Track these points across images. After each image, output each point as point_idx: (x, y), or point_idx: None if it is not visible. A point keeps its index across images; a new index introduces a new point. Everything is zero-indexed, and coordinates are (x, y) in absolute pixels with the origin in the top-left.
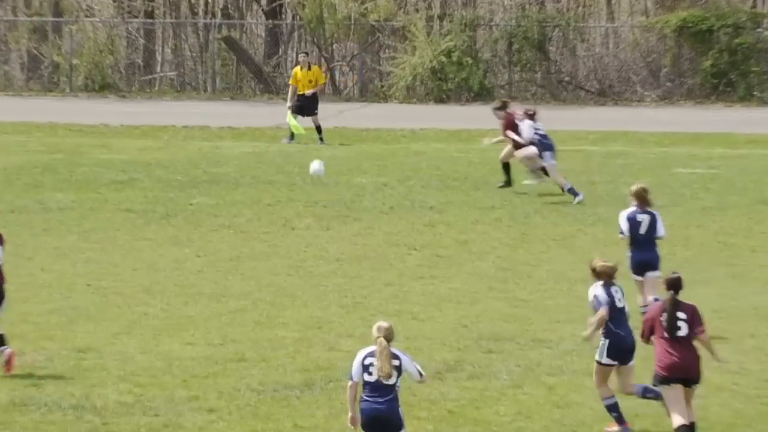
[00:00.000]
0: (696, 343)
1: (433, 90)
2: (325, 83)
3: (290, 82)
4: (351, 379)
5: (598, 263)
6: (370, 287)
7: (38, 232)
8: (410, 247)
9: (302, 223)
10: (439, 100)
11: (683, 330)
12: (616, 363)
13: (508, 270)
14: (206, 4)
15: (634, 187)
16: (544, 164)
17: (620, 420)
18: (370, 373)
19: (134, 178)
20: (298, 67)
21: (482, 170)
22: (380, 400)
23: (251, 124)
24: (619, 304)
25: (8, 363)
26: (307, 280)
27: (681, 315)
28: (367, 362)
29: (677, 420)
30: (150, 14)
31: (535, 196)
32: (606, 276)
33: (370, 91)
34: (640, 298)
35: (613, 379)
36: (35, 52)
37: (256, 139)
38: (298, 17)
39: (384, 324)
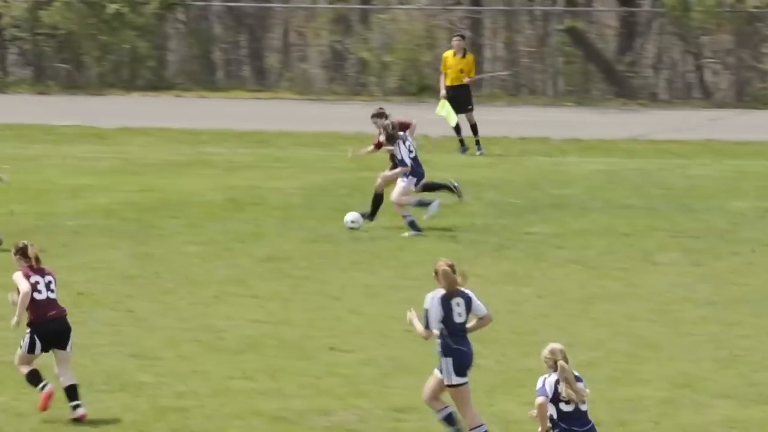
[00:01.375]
0: None
1: None
2: (475, 77)
3: (441, 69)
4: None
5: (442, 265)
6: (752, 337)
7: (347, 266)
8: None
9: (666, 257)
10: None
11: None
12: (466, 381)
13: None
14: None
15: None
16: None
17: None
18: (567, 403)
19: (460, 202)
20: (450, 52)
21: None
22: (578, 430)
23: (601, 135)
24: (458, 319)
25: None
26: (673, 327)
27: None
28: (559, 389)
29: None
30: (477, 1)
31: None
32: (447, 283)
33: (747, 95)
34: None
35: (431, 388)
36: (338, 47)
37: (608, 154)
38: (658, 4)
39: (557, 346)
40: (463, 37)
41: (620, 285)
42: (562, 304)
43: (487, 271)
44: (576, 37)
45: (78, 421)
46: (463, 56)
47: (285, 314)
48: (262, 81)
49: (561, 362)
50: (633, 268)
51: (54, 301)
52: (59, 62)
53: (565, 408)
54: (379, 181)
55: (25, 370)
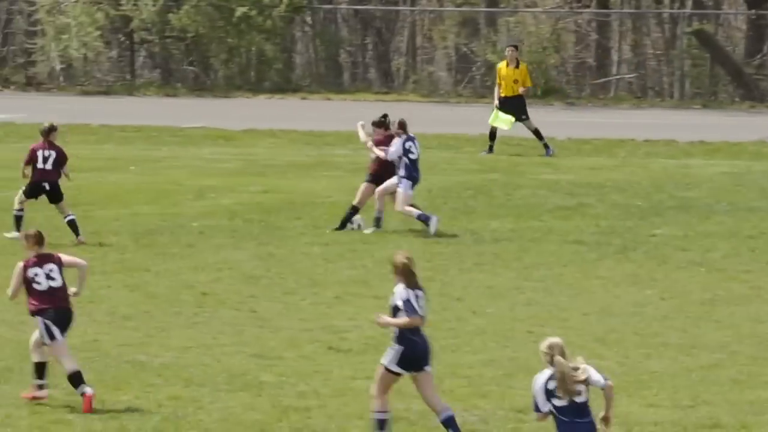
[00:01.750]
0: None
1: None
2: (531, 86)
3: (497, 81)
4: (538, 411)
5: (400, 259)
6: None
7: (469, 267)
8: None
9: None
10: None
11: None
12: (403, 373)
13: None
14: None
15: None
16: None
17: None
18: (559, 398)
19: (584, 204)
20: (504, 63)
21: None
22: (580, 421)
23: (728, 137)
24: (420, 312)
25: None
26: None
27: None
28: (550, 386)
29: None
30: (604, 4)
31: None
32: (404, 277)
33: None
34: None
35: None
36: (465, 50)
37: (735, 157)
38: None
39: (556, 340)
40: (516, 47)
41: (745, 287)
42: (685, 306)
43: (610, 273)
44: (704, 39)
45: (87, 402)
46: (517, 66)
47: None
48: (388, 83)
49: (557, 358)
50: (758, 271)
51: (56, 289)
52: (187, 65)
53: (558, 403)
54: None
55: (36, 357)
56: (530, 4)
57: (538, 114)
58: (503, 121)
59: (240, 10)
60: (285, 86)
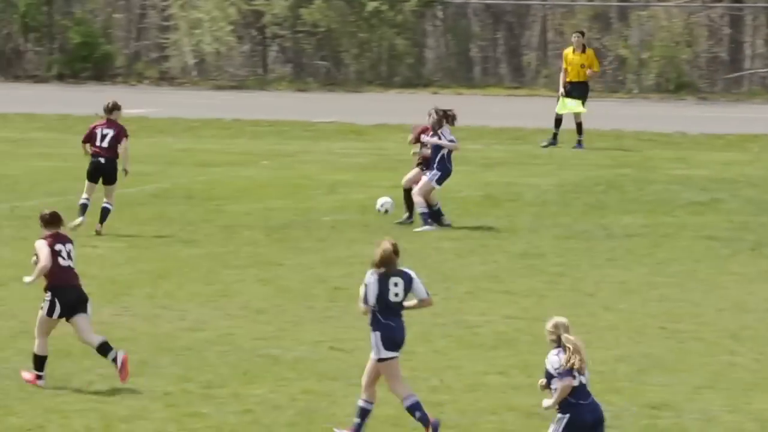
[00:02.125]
0: None
1: None
2: (599, 71)
3: (563, 66)
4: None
5: (385, 245)
6: None
7: (601, 262)
8: None
9: None
10: None
11: None
12: (396, 354)
13: None
14: None
15: None
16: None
17: (425, 419)
18: (574, 377)
19: (717, 199)
20: (570, 49)
21: None
22: (586, 402)
23: None
24: (394, 298)
25: (123, 368)
26: None
27: None
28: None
29: None
30: None
31: None
32: (382, 263)
33: None
34: None
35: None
36: (596, 44)
37: None
38: None
39: (561, 319)
40: (582, 33)
41: None
42: None
43: (744, 269)
44: None
45: (123, 368)
46: (583, 51)
47: (539, 310)
48: (519, 78)
49: (566, 335)
50: None
51: (73, 269)
52: (318, 60)
53: (574, 382)
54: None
55: (41, 342)
56: None
57: (670, 108)
58: (571, 108)
59: (371, 5)
60: (416, 81)
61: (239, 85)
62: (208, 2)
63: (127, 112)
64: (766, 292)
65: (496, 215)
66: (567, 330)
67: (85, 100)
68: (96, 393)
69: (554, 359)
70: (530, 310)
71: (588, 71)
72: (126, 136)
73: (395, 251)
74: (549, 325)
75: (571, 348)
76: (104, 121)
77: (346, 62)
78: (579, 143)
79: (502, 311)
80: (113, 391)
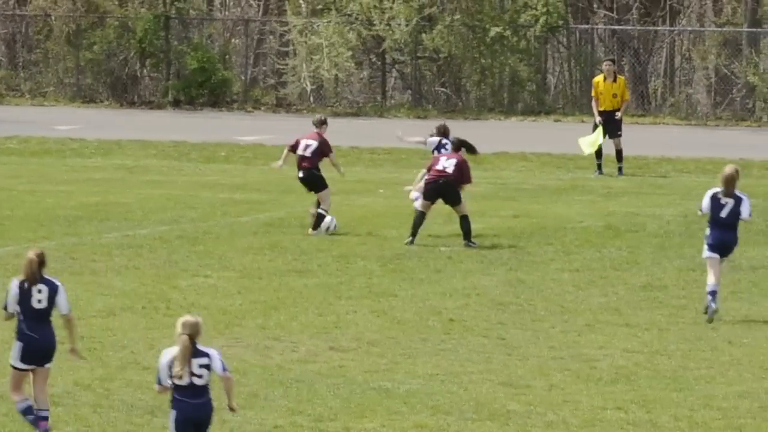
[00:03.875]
0: None
1: None
2: (629, 99)
3: (592, 95)
4: (158, 384)
5: (29, 254)
6: None
7: (725, 295)
8: None
9: None
10: None
11: None
12: (31, 367)
13: None
14: None
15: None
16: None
17: (36, 423)
18: (180, 378)
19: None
20: (601, 77)
21: None
22: (194, 402)
23: None
24: (37, 305)
25: None
26: None
27: None
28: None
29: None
30: None
31: None
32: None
33: None
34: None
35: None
36: (725, 71)
37: None
38: None
39: (191, 319)
40: (613, 61)
41: None
42: None
43: None
44: None
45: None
46: (614, 80)
47: (660, 344)
48: (644, 106)
49: (184, 337)
50: None
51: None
52: (439, 86)
53: (178, 382)
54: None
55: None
56: None
57: None
58: (590, 144)
59: (494, 30)
60: (538, 108)
61: (357, 112)
62: (329, 28)
63: (242, 138)
64: None
65: (617, 246)
66: (194, 331)
67: (201, 127)
68: None
69: (164, 357)
70: (650, 344)
71: (621, 108)
72: (330, 150)
73: (41, 262)
74: (178, 324)
75: (178, 354)
76: (312, 133)
77: (466, 89)
78: (620, 170)
79: (621, 345)
80: (222, 423)
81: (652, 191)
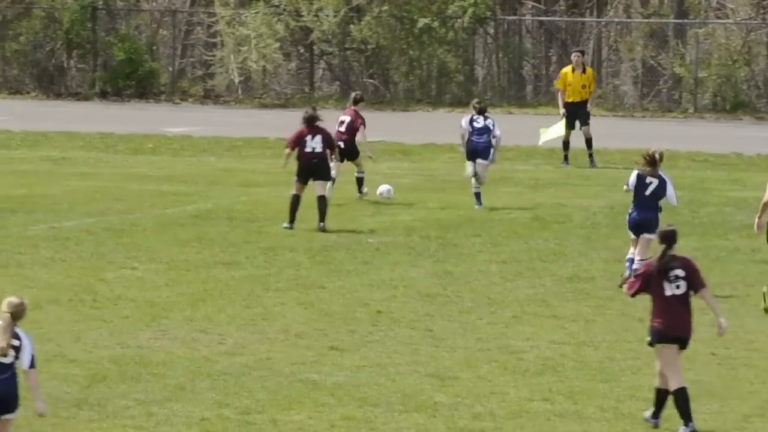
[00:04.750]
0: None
1: None
2: (594, 92)
3: (556, 85)
4: None
5: None
6: None
7: None
8: None
9: None
10: None
11: (681, 287)
12: None
13: None
14: None
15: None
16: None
17: None
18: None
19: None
20: (569, 68)
21: None
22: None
23: None
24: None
25: None
26: None
27: (678, 272)
28: None
29: (674, 382)
30: None
31: None
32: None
33: None
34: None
35: None
36: (652, 62)
37: None
38: None
39: (15, 300)
40: (582, 52)
41: None
42: None
43: None
44: None
45: None
46: (584, 71)
47: (587, 335)
48: None
49: (6, 315)
50: None
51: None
52: (367, 78)
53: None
54: None
55: None
56: (721, 16)
57: (726, 128)
58: (546, 133)
59: (422, 21)
60: (466, 99)
61: (285, 104)
62: (257, 19)
63: (170, 130)
64: None
65: (545, 237)
66: (17, 311)
67: (128, 118)
68: (131, 418)
69: None
70: (577, 336)
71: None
72: (363, 124)
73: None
74: (3, 303)
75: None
76: (348, 109)
77: (394, 80)
78: (590, 157)
79: (548, 336)
80: (149, 416)
81: (579, 182)
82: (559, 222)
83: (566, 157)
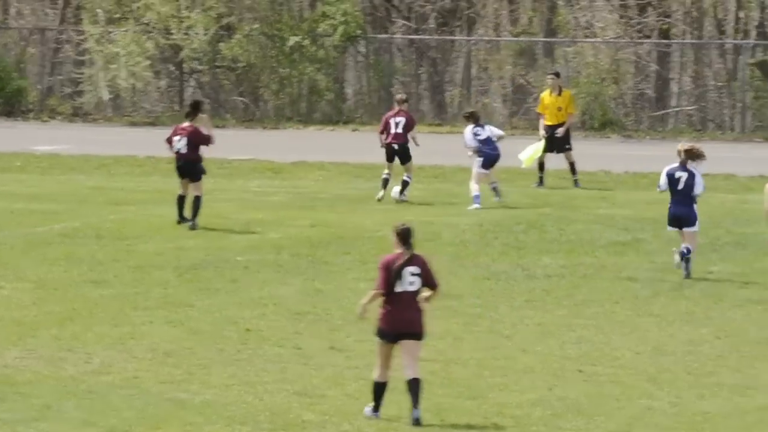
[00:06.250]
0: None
1: None
2: (575, 113)
3: (537, 110)
4: None
5: None
6: None
7: (519, 304)
8: None
9: None
10: None
11: (415, 284)
12: None
13: None
14: (737, 20)
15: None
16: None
17: None
18: None
19: (639, 239)
20: (547, 92)
21: None
22: None
23: None
24: None
25: None
26: None
27: (413, 269)
28: None
29: (382, 375)
30: (665, 34)
31: None
32: None
33: None
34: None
35: None
36: (521, 80)
37: None
38: None
39: None
40: (557, 74)
41: None
42: (741, 346)
43: (664, 310)
44: (767, 71)
45: None
46: (559, 94)
47: (455, 353)
48: (441, 115)
49: None
50: None
51: None
52: (237, 95)
53: None
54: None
55: None
56: (589, 35)
57: (594, 146)
58: (529, 158)
59: (293, 40)
60: (336, 117)
61: (154, 122)
62: (126, 37)
63: (38, 148)
64: (685, 335)
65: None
66: None
67: None
68: None
69: None
70: (445, 353)
71: (564, 116)
72: (414, 123)
73: None
74: None
75: None
76: (395, 110)
77: (264, 98)
78: (576, 182)
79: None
80: None
81: (448, 200)
82: (428, 239)
83: (541, 179)
